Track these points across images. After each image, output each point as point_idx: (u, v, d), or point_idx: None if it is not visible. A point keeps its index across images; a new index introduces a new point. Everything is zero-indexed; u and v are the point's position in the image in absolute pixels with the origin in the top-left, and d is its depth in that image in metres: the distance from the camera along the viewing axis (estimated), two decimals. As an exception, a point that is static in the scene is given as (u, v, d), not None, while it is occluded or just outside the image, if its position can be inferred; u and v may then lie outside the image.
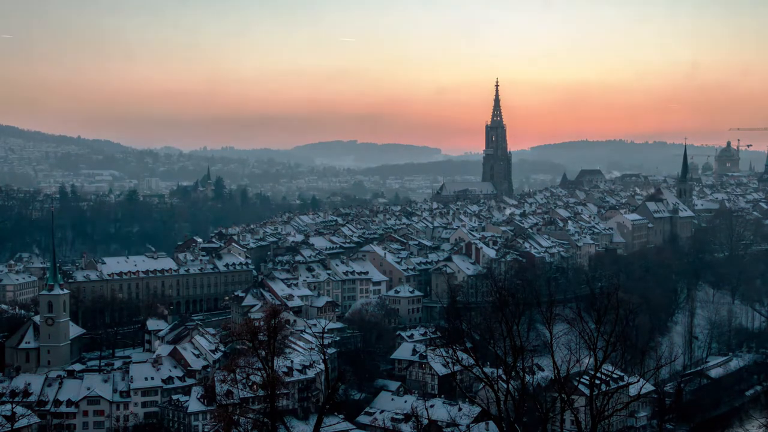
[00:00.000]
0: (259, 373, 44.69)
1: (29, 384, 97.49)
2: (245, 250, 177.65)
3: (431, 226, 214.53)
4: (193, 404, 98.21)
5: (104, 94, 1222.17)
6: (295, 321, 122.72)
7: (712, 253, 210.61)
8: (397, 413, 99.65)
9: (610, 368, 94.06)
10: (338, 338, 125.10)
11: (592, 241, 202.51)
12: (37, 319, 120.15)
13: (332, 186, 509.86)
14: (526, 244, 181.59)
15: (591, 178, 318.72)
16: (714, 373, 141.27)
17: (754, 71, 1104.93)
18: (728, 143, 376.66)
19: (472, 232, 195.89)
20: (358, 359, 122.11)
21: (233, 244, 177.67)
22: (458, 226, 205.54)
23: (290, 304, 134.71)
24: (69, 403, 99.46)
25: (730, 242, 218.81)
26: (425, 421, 70.71)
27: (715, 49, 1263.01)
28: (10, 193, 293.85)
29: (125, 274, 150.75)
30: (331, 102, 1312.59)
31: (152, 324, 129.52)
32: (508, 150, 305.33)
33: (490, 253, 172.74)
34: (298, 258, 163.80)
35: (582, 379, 63.65)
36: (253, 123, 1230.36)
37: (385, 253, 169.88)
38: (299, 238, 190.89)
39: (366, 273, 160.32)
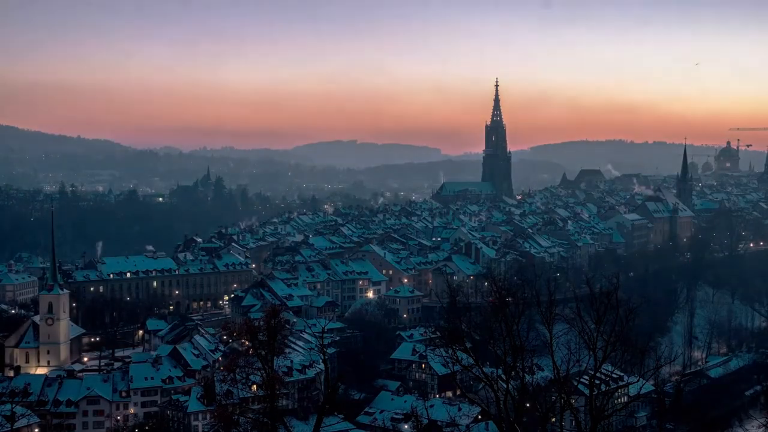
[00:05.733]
0: (259, 373, 44.64)
1: (29, 384, 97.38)
2: (245, 250, 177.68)
3: (431, 226, 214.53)
4: (193, 404, 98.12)
5: (104, 94, 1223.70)
6: (295, 321, 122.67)
7: (712, 253, 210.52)
8: (397, 413, 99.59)
9: (610, 368, 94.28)
10: (338, 338, 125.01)
11: (591, 241, 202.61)
12: (37, 319, 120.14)
13: (332, 186, 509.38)
14: (526, 244, 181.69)
15: (591, 178, 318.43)
16: (714, 373, 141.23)
17: (754, 71, 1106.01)
18: (728, 143, 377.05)
19: (472, 232, 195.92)
20: (358, 359, 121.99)
21: (233, 244, 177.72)
22: (458, 226, 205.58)
23: (290, 304, 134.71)
24: (69, 403, 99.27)
25: (730, 242, 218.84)
26: (425, 421, 70.63)
27: (715, 48, 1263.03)
28: (10, 193, 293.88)
29: (125, 274, 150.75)
30: (330, 102, 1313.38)
31: (152, 324, 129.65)
32: (508, 150, 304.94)
33: (490, 253, 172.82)
34: (298, 258, 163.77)
35: (582, 379, 63.66)
36: (253, 123, 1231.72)
37: (384, 253, 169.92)
38: (299, 238, 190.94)
39: (366, 273, 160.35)
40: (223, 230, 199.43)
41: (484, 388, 40.35)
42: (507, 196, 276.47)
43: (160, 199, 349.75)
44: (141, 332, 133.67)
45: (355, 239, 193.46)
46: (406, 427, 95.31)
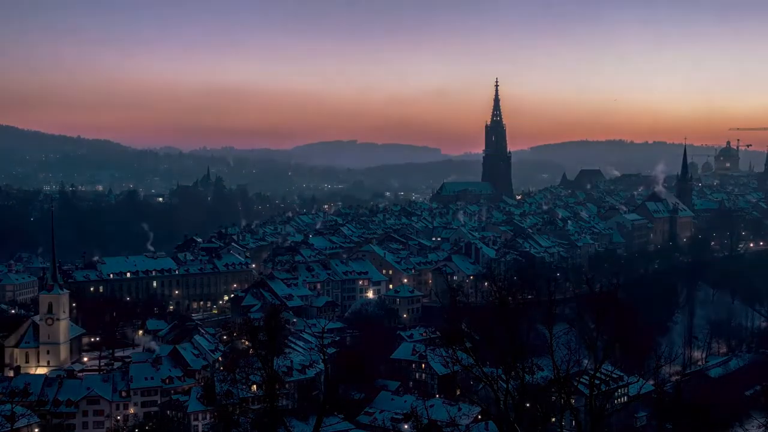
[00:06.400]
0: (259, 373, 44.69)
1: (29, 384, 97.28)
2: (245, 250, 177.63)
3: (431, 226, 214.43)
4: (193, 404, 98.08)
5: (104, 94, 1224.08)
6: (295, 321, 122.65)
7: (712, 253, 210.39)
8: (397, 413, 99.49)
9: (610, 368, 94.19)
10: (338, 338, 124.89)
11: (591, 241, 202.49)
12: (37, 319, 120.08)
13: (332, 186, 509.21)
14: (526, 244, 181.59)
15: (591, 178, 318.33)
16: (714, 373, 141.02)
17: (753, 71, 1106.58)
18: (728, 143, 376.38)
19: (472, 232, 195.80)
20: (358, 359, 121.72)
21: (233, 244, 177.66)
22: (458, 226, 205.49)
23: (290, 304, 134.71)
24: (69, 403, 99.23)
25: (730, 242, 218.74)
26: (425, 421, 70.59)
27: (715, 48, 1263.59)
28: (10, 193, 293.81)
29: (125, 274, 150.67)
30: (331, 102, 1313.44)
31: (152, 324, 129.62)
32: (508, 150, 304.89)
33: (490, 253, 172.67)
34: (298, 258, 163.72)
35: (582, 379, 63.55)
36: (253, 123, 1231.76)
37: (384, 253, 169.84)
38: (299, 238, 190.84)
39: (366, 273, 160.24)
40: (223, 230, 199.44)
41: (484, 388, 40.30)
42: (507, 196, 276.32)
43: (160, 199, 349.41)
44: (141, 332, 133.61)
45: (355, 239, 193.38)
46: (406, 427, 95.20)
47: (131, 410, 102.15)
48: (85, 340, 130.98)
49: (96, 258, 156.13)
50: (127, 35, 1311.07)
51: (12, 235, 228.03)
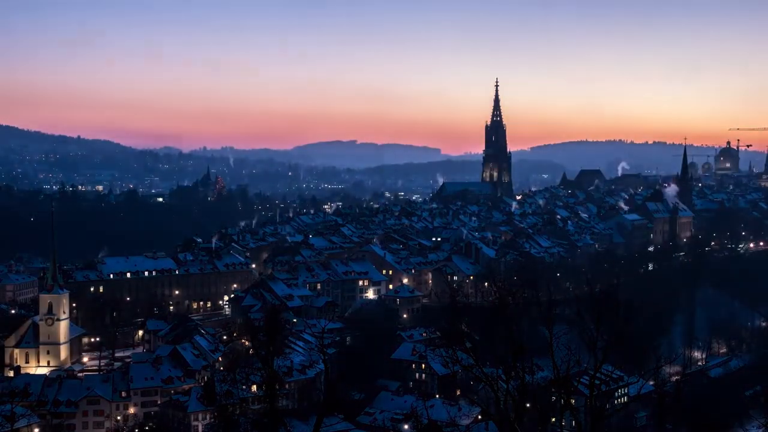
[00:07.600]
0: (259, 373, 44.67)
1: (29, 384, 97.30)
2: (245, 250, 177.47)
3: (431, 226, 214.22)
4: (193, 404, 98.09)
5: (105, 94, 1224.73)
6: (295, 321, 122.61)
7: (712, 253, 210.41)
8: (397, 413, 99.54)
9: (610, 368, 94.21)
10: (338, 338, 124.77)
11: (591, 241, 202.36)
12: (37, 319, 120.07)
13: (332, 186, 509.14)
14: (526, 244, 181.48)
15: (591, 178, 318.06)
16: (714, 373, 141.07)
17: (753, 71, 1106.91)
18: (728, 143, 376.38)
19: (472, 232, 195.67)
20: (358, 359, 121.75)
21: (233, 244, 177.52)
22: (458, 226, 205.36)
23: (290, 304, 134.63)
24: (69, 403, 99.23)
25: (730, 242, 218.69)
26: (425, 421, 70.57)
27: (715, 48, 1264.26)
28: (10, 193, 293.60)
29: (125, 274, 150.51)
30: (331, 102, 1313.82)
31: (152, 324, 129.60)
32: (508, 150, 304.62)
33: (490, 253, 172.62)
34: (298, 258, 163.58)
35: (582, 379, 63.61)
36: (253, 123, 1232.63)
37: (384, 253, 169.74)
38: (299, 238, 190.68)
39: (366, 273, 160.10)
40: (223, 230, 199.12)
41: (484, 388, 40.28)
42: (507, 196, 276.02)
43: (160, 199, 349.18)
44: (141, 332, 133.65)
45: (355, 239, 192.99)
46: (406, 427, 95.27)
47: (131, 410, 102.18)
48: (85, 340, 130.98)
49: (96, 258, 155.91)
50: (127, 35, 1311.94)
51: (12, 235, 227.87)
